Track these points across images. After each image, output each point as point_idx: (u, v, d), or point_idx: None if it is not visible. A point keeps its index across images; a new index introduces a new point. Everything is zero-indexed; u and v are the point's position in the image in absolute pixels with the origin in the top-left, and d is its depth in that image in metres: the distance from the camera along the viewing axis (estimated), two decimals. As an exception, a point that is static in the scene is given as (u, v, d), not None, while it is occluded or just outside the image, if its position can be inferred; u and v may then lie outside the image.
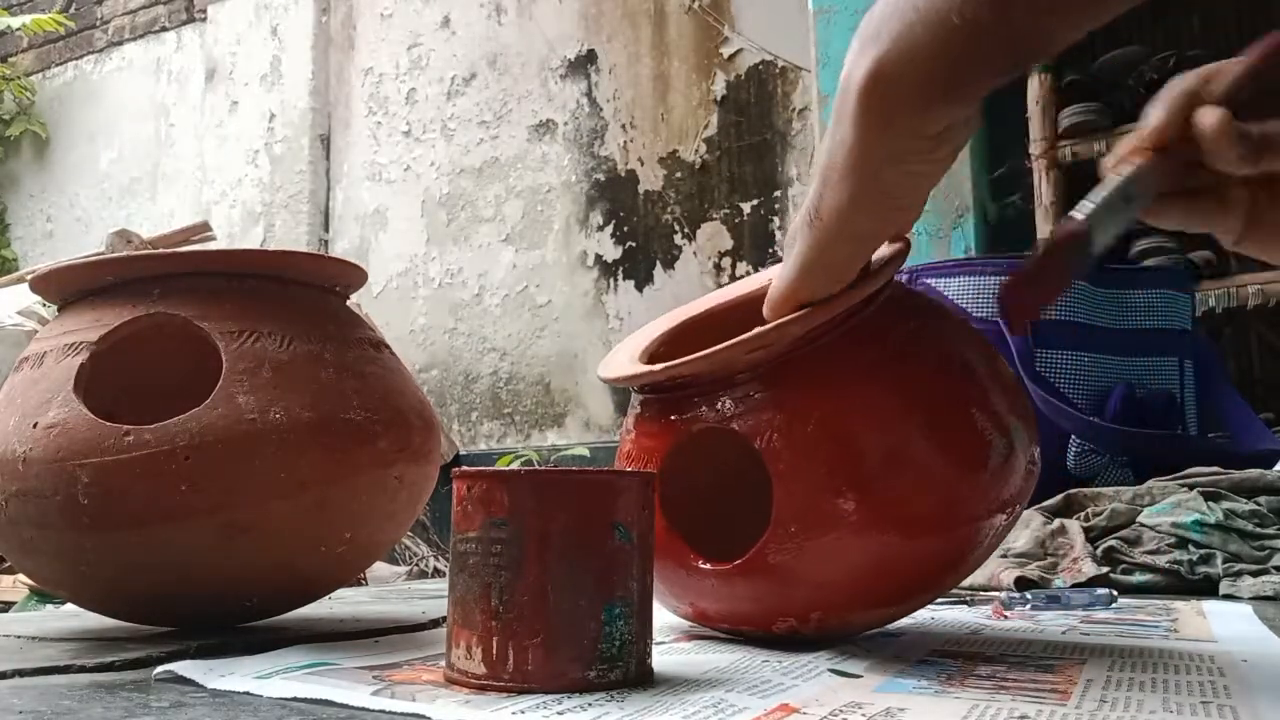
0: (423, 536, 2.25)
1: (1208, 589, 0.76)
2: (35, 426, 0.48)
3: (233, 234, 2.99)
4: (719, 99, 2.36)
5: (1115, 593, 0.67)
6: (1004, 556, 0.83)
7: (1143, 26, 2.00)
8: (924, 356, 0.46)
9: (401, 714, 0.33)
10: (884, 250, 0.46)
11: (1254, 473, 0.87)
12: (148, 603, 0.52)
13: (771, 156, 2.26)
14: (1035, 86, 1.82)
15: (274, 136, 2.99)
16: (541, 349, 2.53)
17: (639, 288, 2.42)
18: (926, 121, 0.38)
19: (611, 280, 2.46)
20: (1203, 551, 0.78)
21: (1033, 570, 0.78)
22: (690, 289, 2.28)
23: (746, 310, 0.49)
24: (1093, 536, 0.84)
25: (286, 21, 3.00)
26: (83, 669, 0.43)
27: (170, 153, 3.28)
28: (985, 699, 0.36)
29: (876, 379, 0.45)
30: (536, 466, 2.00)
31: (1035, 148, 1.83)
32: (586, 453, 2.30)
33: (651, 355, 0.53)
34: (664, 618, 0.52)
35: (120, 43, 3.45)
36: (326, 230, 2.92)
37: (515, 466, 0.63)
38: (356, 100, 2.92)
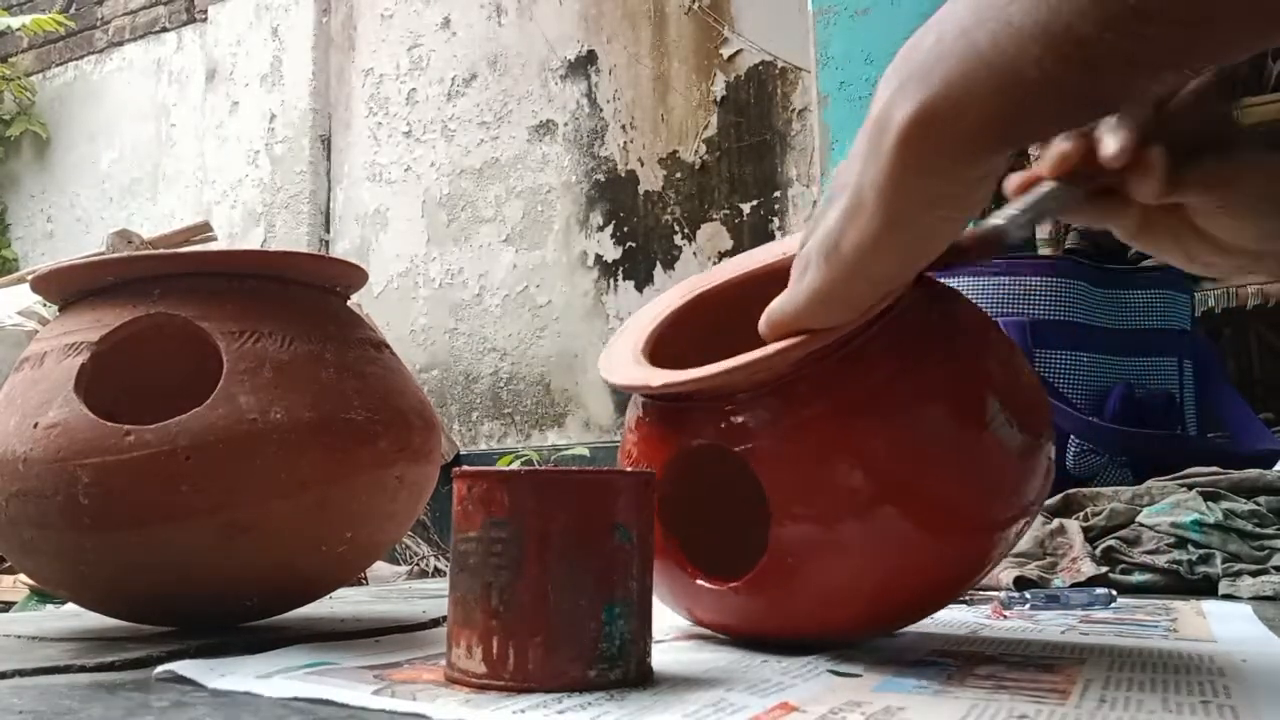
0: (423, 536, 2.25)
1: (1207, 589, 0.76)
2: (36, 426, 0.48)
3: (233, 234, 2.99)
4: (719, 99, 2.36)
5: (1114, 592, 0.67)
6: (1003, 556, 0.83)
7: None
8: (935, 371, 0.44)
9: (402, 713, 0.34)
10: None
11: (1253, 473, 0.87)
12: (148, 603, 0.52)
13: (771, 157, 2.26)
14: (1035, 87, 1.82)
15: (274, 137, 2.99)
16: (542, 349, 2.53)
17: (639, 288, 2.42)
18: (973, 168, 0.36)
19: (611, 280, 2.46)
20: (1202, 551, 0.78)
21: (1032, 570, 0.78)
22: (690, 289, 2.28)
23: (760, 287, 0.46)
24: (1092, 536, 0.84)
25: (287, 22, 3.01)
26: (83, 669, 0.43)
27: (171, 153, 3.28)
28: (985, 698, 0.36)
29: (882, 401, 0.42)
30: (536, 466, 2.01)
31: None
32: (586, 453, 2.30)
33: (658, 339, 0.51)
34: (664, 618, 0.52)
35: (120, 43, 3.45)
36: (327, 231, 2.92)
37: (515, 466, 0.63)
38: (357, 101, 2.92)
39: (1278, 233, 0.40)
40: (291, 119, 2.96)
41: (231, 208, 3.04)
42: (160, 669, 0.40)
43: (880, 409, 0.42)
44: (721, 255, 2.31)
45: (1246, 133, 0.40)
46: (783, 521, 0.42)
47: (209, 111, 3.14)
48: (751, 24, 2.33)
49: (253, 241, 2.96)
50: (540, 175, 2.59)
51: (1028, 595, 0.67)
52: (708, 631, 0.51)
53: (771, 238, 2.25)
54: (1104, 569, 0.78)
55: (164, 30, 3.36)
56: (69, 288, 0.54)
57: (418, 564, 2.15)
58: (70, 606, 0.63)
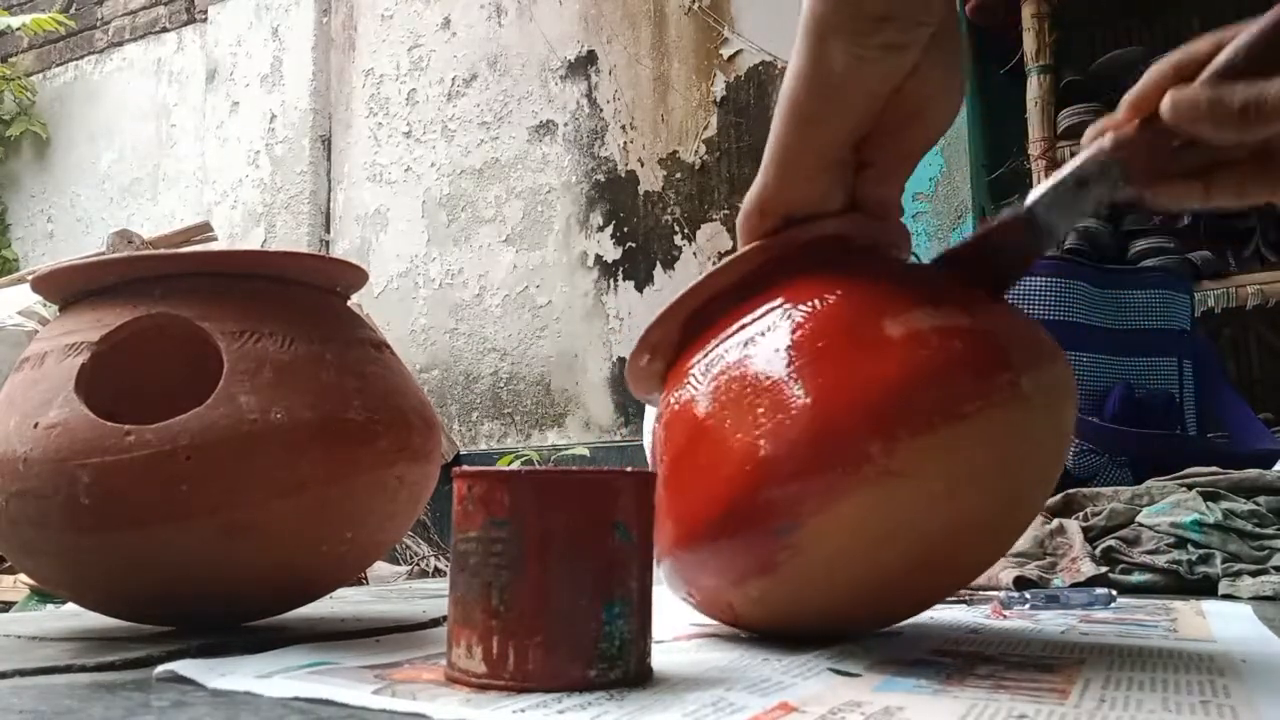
0: (423, 536, 2.25)
1: (1207, 589, 0.76)
2: (36, 426, 0.48)
3: (234, 235, 2.99)
4: (719, 100, 2.36)
5: (1114, 592, 0.67)
6: (1003, 556, 0.83)
7: (1143, 26, 2.00)
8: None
9: (402, 713, 0.34)
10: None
11: (1253, 473, 0.87)
12: (148, 603, 0.52)
13: (771, 157, 2.26)
14: (1035, 87, 1.83)
15: (275, 137, 2.99)
16: (541, 349, 2.53)
17: (639, 288, 2.42)
18: (864, 2, 0.40)
19: (611, 281, 2.46)
20: (1202, 551, 0.78)
21: (1032, 570, 0.78)
22: (690, 289, 2.28)
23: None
24: (1092, 536, 0.84)
25: (287, 22, 3.01)
26: (83, 669, 0.43)
27: (171, 153, 3.28)
28: (984, 698, 0.36)
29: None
30: (536, 466, 2.00)
31: (1034, 148, 1.83)
32: (586, 453, 2.30)
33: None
34: (664, 618, 0.52)
35: (121, 43, 3.45)
36: (327, 231, 2.92)
37: (515, 466, 0.63)
38: (357, 101, 2.92)
39: None
40: (292, 119, 2.96)
41: (232, 208, 3.04)
42: (160, 669, 0.40)
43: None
44: (721, 255, 2.31)
45: None
46: None
47: (209, 112, 3.14)
48: (751, 24, 2.33)
49: (253, 242, 2.96)
50: (540, 175, 2.59)
51: (1027, 595, 0.67)
52: (708, 631, 0.51)
53: (771, 238, 2.25)
54: (1104, 569, 0.78)
55: (164, 30, 3.36)
56: (69, 288, 0.54)
57: (418, 564, 2.15)
58: (70, 606, 0.63)
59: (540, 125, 2.61)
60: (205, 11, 3.21)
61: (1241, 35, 0.40)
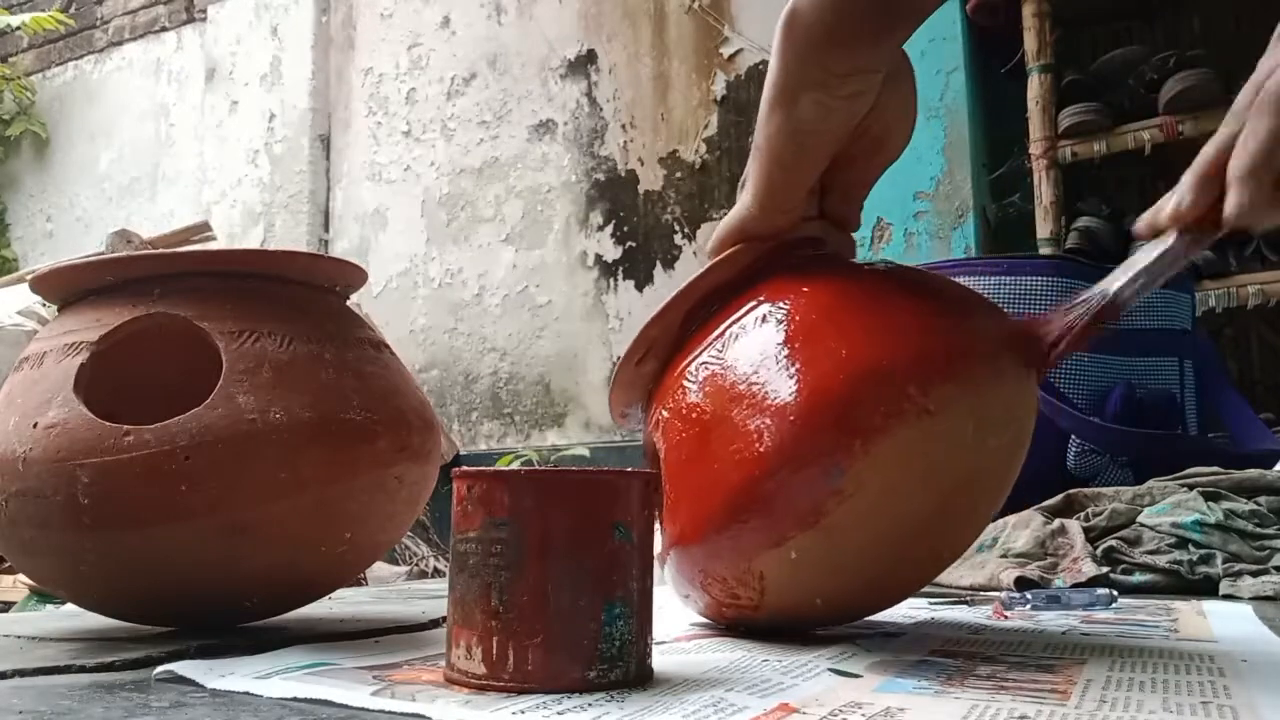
0: (423, 536, 2.25)
1: (1208, 589, 0.75)
2: (35, 426, 0.48)
3: (233, 234, 2.99)
4: (719, 99, 2.36)
5: (1115, 593, 0.67)
6: (1004, 556, 0.83)
7: (1143, 26, 2.00)
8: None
9: (401, 714, 0.33)
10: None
11: (1254, 473, 0.87)
12: (148, 603, 0.52)
13: (771, 156, 2.26)
14: (1035, 86, 1.83)
15: (274, 136, 2.99)
16: (541, 349, 2.53)
17: (639, 288, 2.42)
18: (833, 59, 0.45)
19: (611, 280, 2.46)
20: (1203, 551, 0.78)
21: (1033, 570, 0.78)
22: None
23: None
24: (1093, 536, 0.84)
25: (286, 21, 3.01)
26: (83, 669, 0.43)
27: (170, 153, 3.28)
28: (985, 699, 0.36)
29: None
30: (536, 466, 2.00)
31: (1035, 148, 1.83)
32: (586, 453, 2.30)
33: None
34: (664, 618, 0.52)
35: (120, 43, 3.45)
36: (326, 230, 2.92)
37: (515, 466, 0.63)
38: (356, 100, 2.92)
39: None
40: (291, 118, 2.96)
41: (231, 207, 3.04)
42: (160, 669, 0.40)
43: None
44: (721, 255, 2.31)
45: None
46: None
47: (208, 111, 3.14)
48: (752, 23, 2.33)
49: (252, 241, 2.96)
50: (540, 175, 2.59)
51: (1028, 595, 0.67)
52: (708, 631, 0.51)
53: (771, 237, 2.25)
54: (1105, 569, 0.78)
55: (164, 30, 3.36)
56: (69, 288, 0.54)
57: (417, 564, 2.15)
58: (70, 606, 0.63)
59: (540, 124, 2.61)
60: (204, 11, 3.21)
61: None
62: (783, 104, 0.46)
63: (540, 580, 0.36)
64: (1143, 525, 0.83)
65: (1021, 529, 0.86)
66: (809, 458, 0.43)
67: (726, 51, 2.35)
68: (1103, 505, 0.88)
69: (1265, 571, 0.75)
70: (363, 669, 0.41)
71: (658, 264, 2.40)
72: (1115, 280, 0.48)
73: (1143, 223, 0.48)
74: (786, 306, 0.47)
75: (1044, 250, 1.74)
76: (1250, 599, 0.71)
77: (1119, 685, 0.38)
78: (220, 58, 3.14)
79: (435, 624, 0.57)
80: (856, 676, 0.40)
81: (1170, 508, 0.83)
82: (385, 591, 0.89)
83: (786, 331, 0.46)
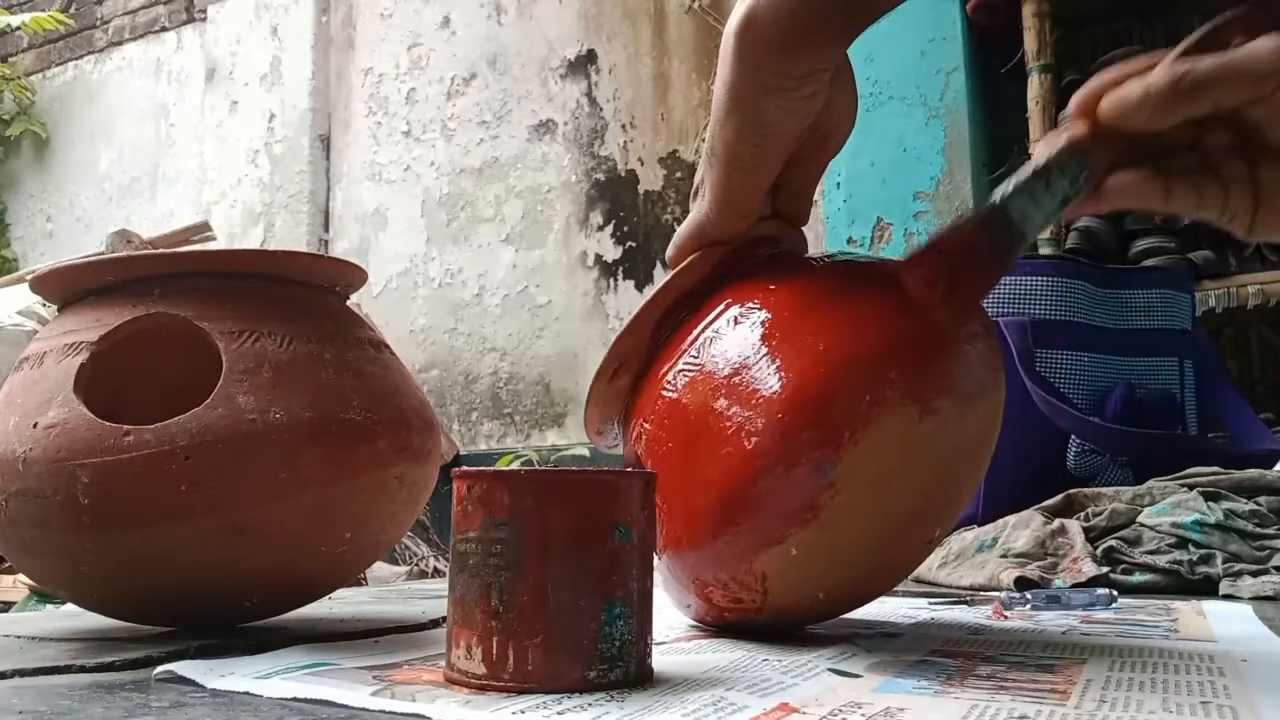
0: (423, 536, 2.25)
1: (1208, 589, 0.75)
2: (35, 426, 0.48)
3: (233, 234, 2.99)
4: (719, 99, 2.36)
5: (1115, 593, 0.67)
6: (1004, 556, 0.83)
7: (1143, 26, 2.00)
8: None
9: (401, 714, 0.33)
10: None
11: (1254, 473, 0.87)
12: (148, 603, 0.52)
13: (771, 156, 2.26)
14: (1035, 86, 1.83)
15: (274, 136, 2.99)
16: (541, 349, 2.53)
17: (639, 288, 2.42)
18: (790, 63, 0.45)
19: (611, 280, 2.46)
20: (1203, 551, 0.78)
21: (1033, 570, 0.78)
22: (690, 289, 2.28)
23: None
24: (1093, 536, 0.84)
25: (286, 21, 3.01)
26: (83, 669, 0.43)
27: (170, 153, 3.28)
28: (985, 699, 0.36)
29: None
30: (536, 466, 2.00)
31: (1035, 147, 1.82)
32: (586, 453, 2.30)
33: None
34: (664, 618, 0.52)
35: (120, 43, 3.45)
36: (326, 230, 2.92)
37: (515, 466, 0.63)
38: (356, 100, 2.92)
39: None
40: (291, 118, 2.96)
41: (231, 207, 3.04)
42: (160, 669, 0.40)
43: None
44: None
45: None
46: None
47: (208, 111, 3.14)
48: (751, 24, 2.32)
49: (252, 241, 2.96)
50: (540, 175, 2.59)
51: (1028, 596, 0.67)
52: (708, 631, 0.51)
53: (771, 237, 2.25)
54: (1105, 569, 0.78)
55: (163, 30, 3.36)
56: (68, 288, 0.54)
57: (417, 564, 2.15)
58: (70, 606, 0.63)
59: (540, 124, 2.61)
60: (204, 11, 3.21)
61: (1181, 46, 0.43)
62: (740, 109, 0.46)
63: (540, 580, 0.36)
64: (1143, 525, 0.83)
65: (1021, 529, 0.86)
66: (799, 455, 0.43)
67: (726, 51, 2.35)
68: (1103, 505, 0.88)
69: (1265, 571, 0.75)
70: (363, 669, 0.41)
71: (658, 264, 2.40)
72: (1003, 187, 0.46)
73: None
74: (757, 306, 0.47)
75: (1044, 250, 1.74)
76: (1250, 599, 0.71)
77: (1119, 685, 0.38)
78: (220, 58, 3.13)
79: (435, 624, 0.57)
80: (856, 676, 0.40)
81: (1170, 508, 0.83)
82: (385, 591, 0.89)
83: (762, 331, 0.46)
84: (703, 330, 0.48)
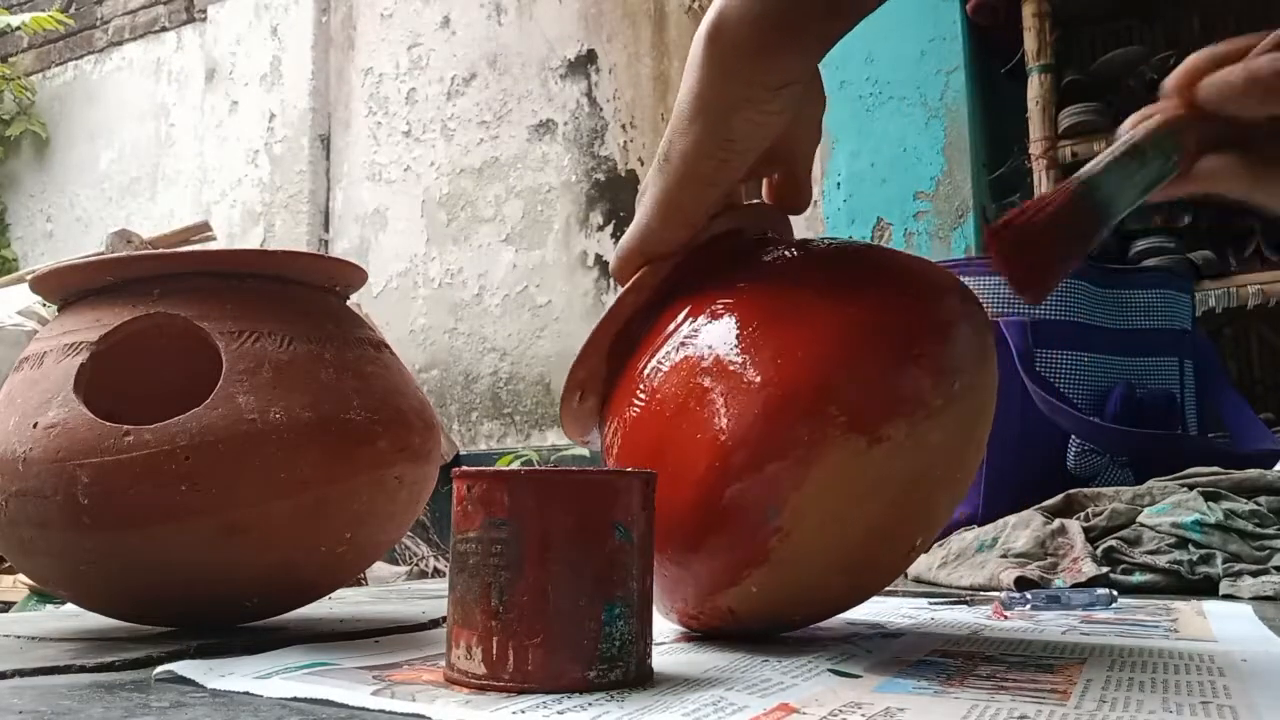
0: (423, 536, 2.25)
1: (1208, 589, 0.75)
2: (35, 426, 0.48)
3: (233, 234, 2.99)
4: (719, 99, 2.36)
5: (1115, 593, 0.67)
6: (1004, 556, 0.83)
7: (1143, 26, 2.00)
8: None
9: (401, 714, 0.33)
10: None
11: (1254, 473, 0.87)
12: (148, 603, 0.52)
13: (771, 156, 2.26)
14: (1035, 86, 1.83)
15: (274, 136, 2.99)
16: (541, 349, 2.53)
17: (639, 288, 2.41)
18: (764, 71, 0.42)
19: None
20: (1203, 551, 0.78)
21: (1033, 570, 0.78)
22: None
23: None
24: (1093, 536, 0.84)
25: (286, 21, 3.01)
26: (83, 669, 0.43)
27: (170, 153, 3.28)
28: (985, 699, 0.36)
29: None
30: (536, 466, 2.00)
31: (1035, 148, 1.83)
32: (586, 453, 2.30)
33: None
34: (664, 618, 0.52)
35: (120, 43, 3.45)
36: (326, 230, 2.92)
37: (515, 466, 0.63)
38: (356, 100, 2.92)
39: None
40: (291, 118, 2.96)
41: (231, 207, 3.04)
42: (160, 669, 0.40)
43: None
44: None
45: None
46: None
47: (208, 111, 3.14)
48: (751, 24, 2.32)
49: (252, 241, 2.96)
50: (540, 175, 2.59)
51: (1028, 595, 0.67)
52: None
53: (771, 237, 2.25)
54: (1105, 569, 0.78)
55: (164, 30, 3.36)
56: (68, 288, 0.54)
57: (417, 564, 2.15)
58: (70, 606, 0.63)
59: (540, 124, 2.61)
60: (204, 11, 3.21)
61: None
62: (704, 119, 0.43)
63: (540, 580, 0.36)
64: (1143, 525, 0.83)
65: (1021, 529, 0.86)
66: (740, 501, 0.42)
67: (726, 51, 2.35)
68: (1103, 505, 0.88)
69: (1265, 571, 0.75)
70: (363, 669, 0.41)
71: (658, 264, 2.40)
72: (1092, 165, 0.44)
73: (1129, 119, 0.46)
74: (696, 333, 0.45)
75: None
76: (1250, 599, 0.71)
77: (1119, 685, 0.38)
78: (220, 58, 3.14)
79: (435, 624, 0.57)
80: (856, 676, 0.40)
81: (1170, 508, 0.83)
82: (385, 591, 0.89)
83: (700, 366, 0.44)
84: (650, 358, 0.46)
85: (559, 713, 0.33)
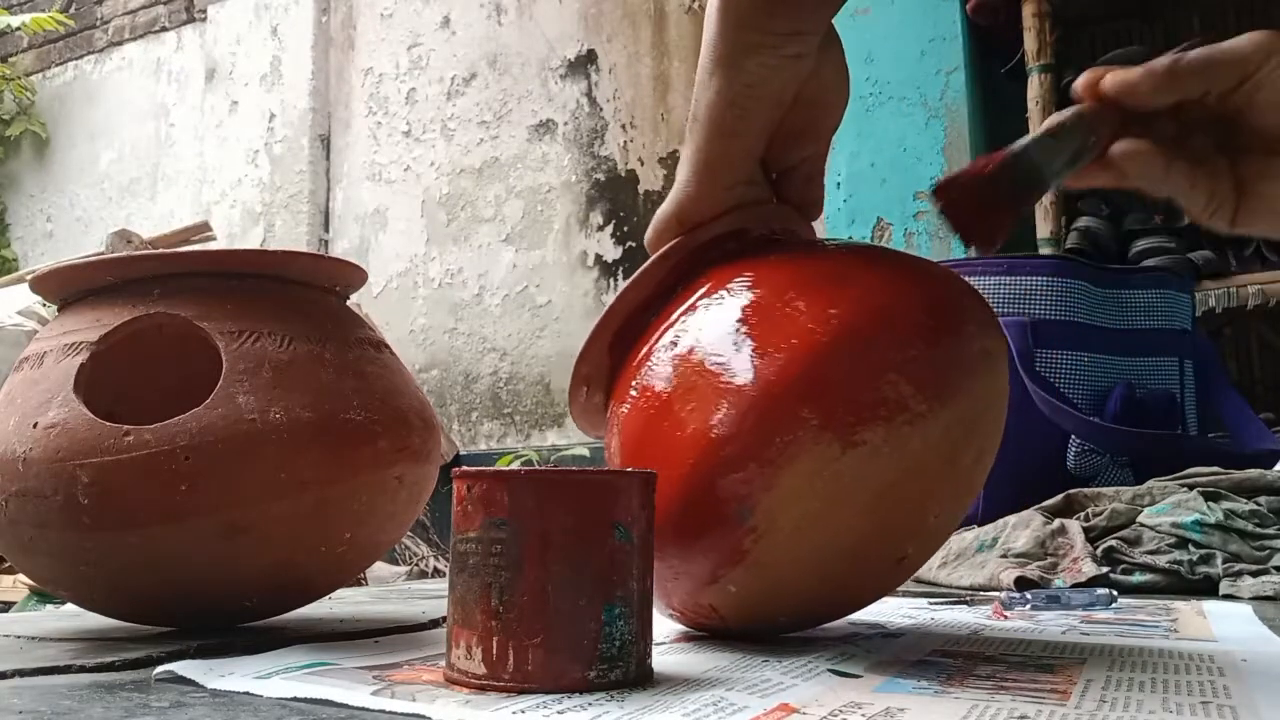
0: (423, 536, 2.25)
1: (1208, 589, 0.75)
2: (35, 426, 0.48)
3: (233, 234, 2.99)
4: (719, 99, 2.36)
5: (1115, 593, 0.67)
6: (1004, 556, 0.83)
7: (1143, 26, 2.00)
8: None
9: (401, 714, 0.33)
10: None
11: (1254, 473, 0.87)
12: (148, 603, 0.52)
13: (771, 156, 2.26)
14: (1035, 86, 1.83)
15: (274, 137, 2.99)
16: (541, 349, 2.53)
17: (639, 288, 2.41)
18: (773, 16, 0.44)
19: (611, 280, 2.46)
20: (1203, 551, 0.78)
21: (1033, 570, 0.78)
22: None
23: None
24: (1093, 536, 0.84)
25: (286, 21, 3.01)
26: (83, 669, 0.43)
27: (170, 153, 3.28)
28: (985, 699, 0.36)
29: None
30: (536, 466, 2.00)
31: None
32: (586, 453, 2.30)
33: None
34: (664, 618, 0.52)
35: (120, 43, 3.45)
36: (326, 230, 2.92)
37: (515, 466, 0.63)
38: (356, 100, 2.92)
39: None
40: (291, 118, 2.96)
41: (231, 207, 3.04)
42: (160, 669, 0.40)
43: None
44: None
45: None
46: None
47: (208, 111, 3.14)
48: (751, 24, 2.33)
49: (252, 241, 2.96)
50: (540, 175, 2.59)
51: (1028, 595, 0.67)
52: (705, 632, 0.51)
53: (771, 237, 2.25)
54: (1105, 569, 0.78)
55: (164, 30, 3.36)
56: (68, 288, 0.54)
57: (417, 564, 2.15)
58: (70, 606, 0.63)
59: (540, 124, 2.61)
60: (204, 11, 3.21)
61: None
62: (722, 67, 0.45)
63: (540, 580, 0.36)
64: (1143, 525, 0.83)
65: (1021, 529, 0.86)
66: (714, 500, 0.42)
67: (726, 51, 2.35)
68: (1103, 505, 0.88)
69: (1265, 571, 0.75)
70: (363, 669, 0.41)
71: (658, 264, 2.40)
72: (1020, 141, 0.47)
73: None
74: (685, 331, 0.45)
75: (1044, 250, 1.74)
76: (1250, 599, 0.71)
77: (1119, 685, 0.38)
78: (220, 58, 3.13)
79: (435, 624, 0.57)
80: (856, 676, 0.40)
81: (1170, 508, 0.83)
82: (385, 591, 0.89)
83: (686, 365, 0.44)
84: (643, 354, 0.47)
85: (559, 713, 0.33)
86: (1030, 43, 1.84)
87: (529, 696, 0.35)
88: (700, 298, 0.46)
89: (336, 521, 0.51)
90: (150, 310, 0.51)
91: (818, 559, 0.44)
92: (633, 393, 0.46)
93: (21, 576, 1.45)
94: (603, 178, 2.50)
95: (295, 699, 0.36)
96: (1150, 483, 0.89)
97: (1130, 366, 1.15)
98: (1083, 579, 0.76)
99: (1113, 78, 0.47)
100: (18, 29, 3.30)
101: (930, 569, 0.87)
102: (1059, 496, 0.91)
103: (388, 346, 0.58)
